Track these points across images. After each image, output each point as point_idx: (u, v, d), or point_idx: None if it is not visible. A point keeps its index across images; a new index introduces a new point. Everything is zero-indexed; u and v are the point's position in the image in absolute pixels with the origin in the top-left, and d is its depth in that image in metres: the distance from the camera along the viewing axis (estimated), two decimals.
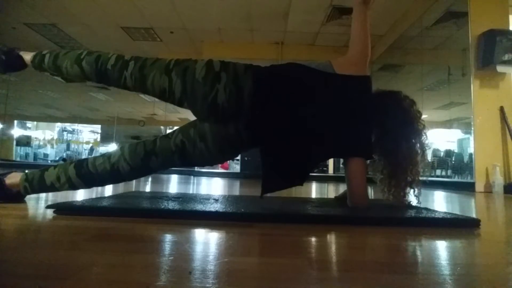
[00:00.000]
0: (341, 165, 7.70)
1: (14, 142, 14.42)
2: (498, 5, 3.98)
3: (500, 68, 3.80)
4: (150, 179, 3.86)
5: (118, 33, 6.21)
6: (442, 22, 5.06)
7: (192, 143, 1.21)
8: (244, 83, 1.19)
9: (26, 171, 1.32)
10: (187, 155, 1.22)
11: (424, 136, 1.40)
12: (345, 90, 1.27)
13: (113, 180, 1.29)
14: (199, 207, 1.20)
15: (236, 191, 2.74)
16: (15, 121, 14.89)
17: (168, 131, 1.65)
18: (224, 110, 1.17)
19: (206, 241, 0.86)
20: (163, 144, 1.23)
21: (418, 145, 1.38)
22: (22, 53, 1.39)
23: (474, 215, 1.55)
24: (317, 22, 5.58)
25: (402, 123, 1.37)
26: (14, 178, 1.27)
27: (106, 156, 1.25)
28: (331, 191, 3.14)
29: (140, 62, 1.24)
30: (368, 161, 1.35)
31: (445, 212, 1.29)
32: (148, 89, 1.24)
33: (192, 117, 1.27)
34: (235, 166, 7.69)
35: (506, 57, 3.72)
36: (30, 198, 1.39)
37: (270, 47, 6.56)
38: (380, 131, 1.37)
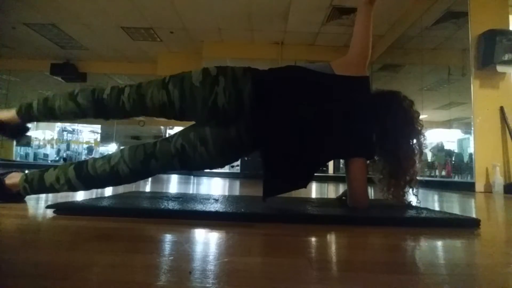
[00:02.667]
0: (341, 165, 7.70)
1: (14, 142, 14.41)
2: (498, 5, 3.98)
3: (500, 68, 3.81)
4: (150, 179, 3.86)
5: (118, 33, 6.21)
6: (442, 22, 5.06)
7: (192, 147, 1.20)
8: (244, 85, 1.19)
9: (26, 171, 1.32)
10: (187, 159, 1.22)
11: (423, 136, 1.40)
12: (344, 91, 1.27)
13: (113, 183, 1.28)
14: (199, 207, 1.20)
15: (236, 191, 2.74)
16: None
17: (168, 131, 1.65)
18: (225, 113, 1.17)
19: (206, 241, 0.86)
20: (163, 148, 1.23)
21: (417, 145, 1.39)
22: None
23: (474, 215, 1.55)
24: (317, 22, 5.59)
25: (403, 123, 1.37)
26: (14, 178, 1.27)
27: (106, 158, 1.25)
28: (331, 191, 3.14)
29: (135, 85, 1.25)
30: (368, 161, 1.35)
31: (445, 212, 1.29)
32: (147, 108, 1.23)
33: None
34: (235, 166, 7.70)
35: (506, 57, 3.72)
36: (30, 198, 1.39)
37: (270, 47, 6.57)
38: (380, 131, 1.38)
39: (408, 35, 5.54)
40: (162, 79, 1.24)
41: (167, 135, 2.48)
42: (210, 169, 1.31)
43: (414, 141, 1.39)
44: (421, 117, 1.43)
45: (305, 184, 1.26)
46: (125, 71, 8.19)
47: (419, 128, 1.39)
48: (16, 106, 1.32)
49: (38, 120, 1.34)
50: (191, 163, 1.24)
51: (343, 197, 1.57)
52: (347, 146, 1.27)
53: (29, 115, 1.32)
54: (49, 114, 1.30)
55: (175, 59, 7.24)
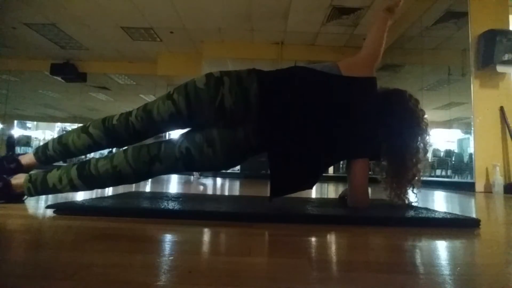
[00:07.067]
0: (341, 165, 7.69)
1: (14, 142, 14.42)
2: (498, 5, 3.98)
3: (500, 68, 3.80)
4: (150, 179, 3.85)
5: (118, 33, 6.21)
6: (442, 22, 5.06)
7: (198, 149, 1.19)
8: (249, 85, 1.18)
9: (31, 172, 1.32)
10: (192, 161, 1.21)
11: (428, 135, 1.41)
12: (350, 92, 1.26)
13: (115, 182, 1.28)
14: (199, 207, 1.20)
15: (236, 191, 2.74)
16: (15, 121, 14.89)
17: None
18: (232, 114, 1.17)
19: (206, 241, 0.86)
20: (167, 150, 1.22)
21: (422, 144, 1.39)
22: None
23: (474, 215, 1.55)
24: (317, 22, 5.58)
25: (409, 124, 1.38)
26: (19, 178, 1.28)
27: (109, 158, 1.25)
28: (331, 191, 3.14)
29: (142, 106, 1.26)
30: (372, 161, 1.36)
31: (445, 212, 1.29)
32: (157, 122, 1.22)
33: None
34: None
35: (506, 57, 3.72)
36: (30, 198, 1.39)
37: (270, 47, 6.56)
38: (387, 132, 1.38)
39: (408, 35, 5.53)
40: (167, 93, 1.24)
41: (167, 136, 2.47)
42: (216, 170, 1.31)
43: (419, 139, 1.39)
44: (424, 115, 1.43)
45: (312, 184, 1.27)
46: (125, 71, 8.18)
47: (424, 127, 1.40)
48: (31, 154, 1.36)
49: (54, 160, 1.35)
50: (196, 165, 1.23)
51: (345, 197, 1.58)
52: (353, 147, 1.27)
53: (45, 155, 1.33)
54: (64, 151, 1.31)
55: (175, 59, 7.24)
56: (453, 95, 7.13)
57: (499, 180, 3.58)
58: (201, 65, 6.72)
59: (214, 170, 1.30)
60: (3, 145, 12.79)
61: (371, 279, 0.57)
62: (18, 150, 15.14)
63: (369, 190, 1.33)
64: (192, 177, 4.73)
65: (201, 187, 3.14)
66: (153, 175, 1.28)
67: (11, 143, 10.99)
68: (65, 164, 1.33)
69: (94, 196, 1.50)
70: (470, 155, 6.03)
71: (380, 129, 1.35)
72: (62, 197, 1.46)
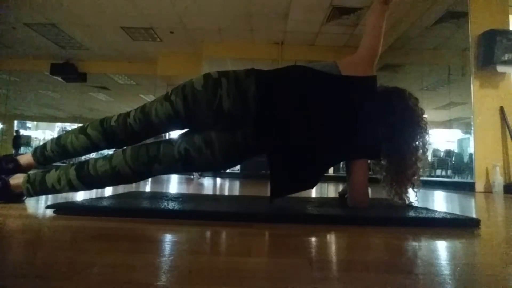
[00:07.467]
0: (341, 165, 7.69)
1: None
2: (498, 5, 3.99)
3: (500, 68, 3.81)
4: (150, 179, 3.86)
5: (118, 33, 6.21)
6: (442, 22, 5.06)
7: (197, 150, 1.19)
8: (247, 87, 1.18)
9: (29, 172, 1.32)
10: (191, 162, 1.21)
11: (427, 134, 1.41)
12: (350, 92, 1.26)
13: (114, 182, 1.28)
14: (199, 207, 1.20)
15: (236, 191, 2.74)
16: (15, 121, 14.89)
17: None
18: (230, 117, 1.17)
19: (206, 241, 0.86)
20: (166, 151, 1.22)
21: (421, 143, 1.39)
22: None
23: (474, 215, 1.55)
24: (317, 22, 5.59)
25: (409, 123, 1.38)
26: (17, 179, 1.28)
27: (107, 158, 1.25)
28: (331, 191, 3.14)
29: (140, 107, 1.26)
30: (372, 160, 1.36)
31: (445, 212, 1.29)
32: (155, 124, 1.22)
33: None
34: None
35: (506, 57, 3.72)
36: (30, 198, 1.39)
37: (270, 47, 6.56)
38: (387, 131, 1.38)
39: (408, 35, 5.53)
40: (165, 94, 1.24)
41: (167, 136, 2.47)
42: (214, 171, 1.32)
43: (419, 137, 1.39)
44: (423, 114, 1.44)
45: (312, 185, 1.26)
46: (125, 71, 8.19)
47: (424, 125, 1.40)
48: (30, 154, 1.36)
49: (53, 160, 1.34)
50: (195, 166, 1.23)
51: (345, 195, 1.58)
52: (353, 147, 1.26)
53: (43, 156, 1.33)
54: (62, 152, 1.30)
55: (175, 59, 7.24)
56: (453, 95, 7.12)
57: (499, 180, 3.58)
58: (201, 65, 6.72)
59: (213, 170, 1.29)
60: (3, 144, 12.79)
61: (371, 279, 0.57)
62: (18, 150, 15.14)
63: (369, 190, 1.33)
64: (192, 176, 4.78)
65: (201, 187, 3.14)
66: (153, 175, 1.28)
67: (17, 142, 11.06)
68: (63, 165, 1.33)
69: (94, 196, 1.50)
70: (470, 155, 6.03)
71: (380, 128, 1.35)
72: (62, 197, 1.46)
